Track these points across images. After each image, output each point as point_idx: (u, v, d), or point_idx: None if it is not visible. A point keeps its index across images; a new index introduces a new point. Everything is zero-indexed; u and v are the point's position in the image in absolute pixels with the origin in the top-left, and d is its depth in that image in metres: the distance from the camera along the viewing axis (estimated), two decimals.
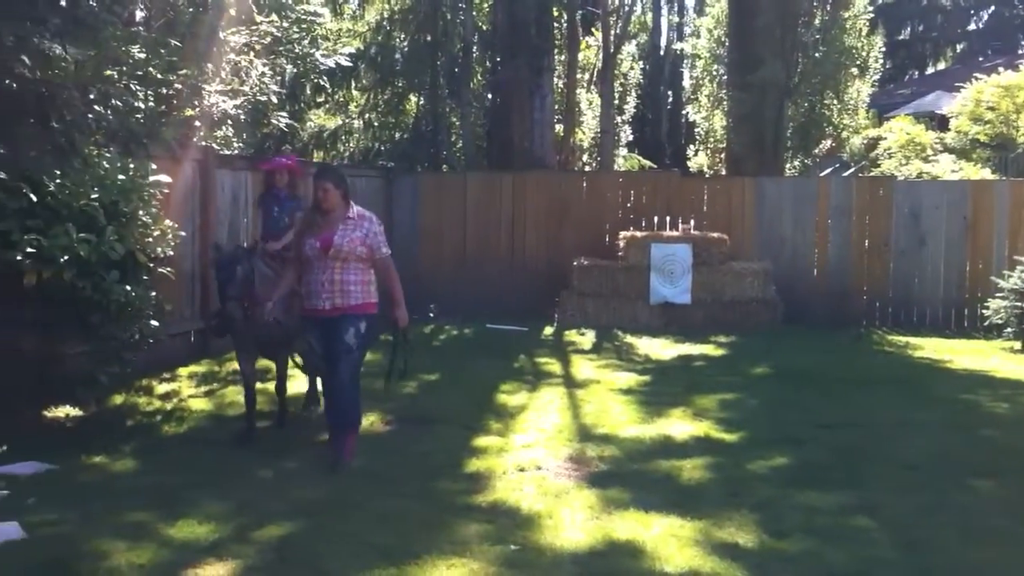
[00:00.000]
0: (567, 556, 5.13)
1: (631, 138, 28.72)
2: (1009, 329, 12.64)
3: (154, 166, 8.48)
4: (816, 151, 25.32)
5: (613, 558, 5.12)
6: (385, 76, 20.65)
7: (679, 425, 7.98)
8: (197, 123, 11.63)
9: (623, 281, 14.13)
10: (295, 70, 15.75)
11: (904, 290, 14.64)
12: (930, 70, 36.95)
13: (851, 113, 25.27)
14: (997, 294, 12.84)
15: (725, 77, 22.52)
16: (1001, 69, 21.15)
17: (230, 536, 5.35)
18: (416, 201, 15.86)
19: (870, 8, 26.86)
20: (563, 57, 21.71)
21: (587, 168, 22.99)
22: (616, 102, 24.50)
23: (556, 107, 19.96)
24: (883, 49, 28.20)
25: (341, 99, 21.34)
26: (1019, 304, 12.38)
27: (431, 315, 14.45)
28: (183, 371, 10.03)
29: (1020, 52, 30.61)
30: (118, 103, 7.72)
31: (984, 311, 13.19)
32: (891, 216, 14.64)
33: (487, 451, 7.21)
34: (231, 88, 12.35)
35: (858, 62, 25.77)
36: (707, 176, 23.59)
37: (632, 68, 28.64)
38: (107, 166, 7.77)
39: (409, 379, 9.51)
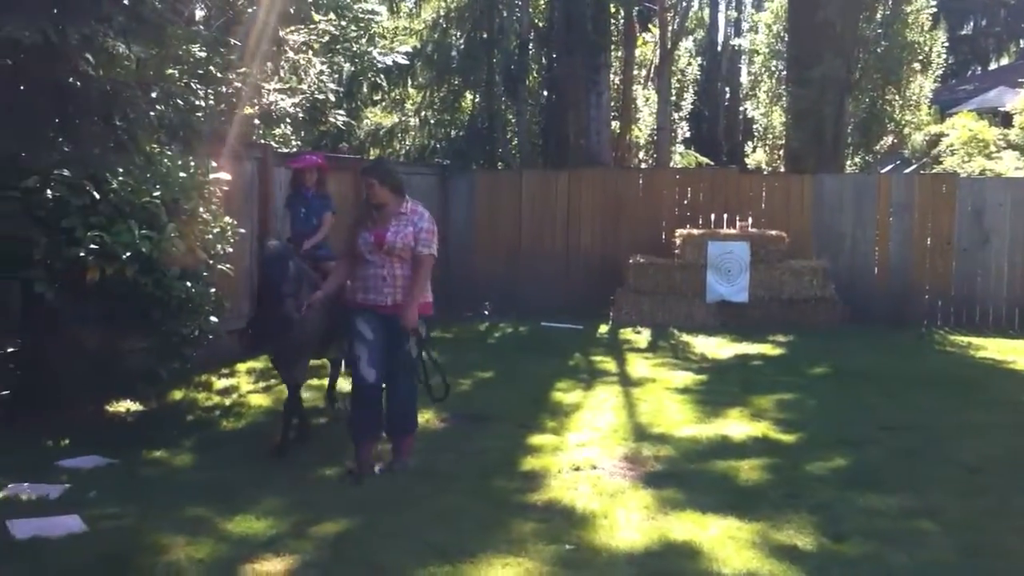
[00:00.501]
0: (623, 556, 5.09)
1: (688, 135, 28.52)
2: None
3: (214, 164, 8.57)
4: (877, 148, 24.95)
5: (669, 559, 5.07)
6: (441, 73, 20.66)
7: (736, 425, 7.90)
8: (256, 121, 11.75)
9: (679, 279, 14.03)
10: (352, 68, 15.85)
11: (967, 289, 14.37)
12: (993, 66, 36.23)
13: (913, 109, 24.87)
14: None
15: (784, 73, 22.29)
16: None
17: (287, 532, 5.39)
18: (471, 199, 15.88)
19: (932, 2, 26.38)
20: (619, 53, 21.60)
21: (643, 165, 22.86)
22: (673, 98, 24.32)
23: (612, 104, 19.86)
24: (945, 44, 27.71)
25: (397, 97, 21.40)
26: None
27: (486, 312, 14.45)
28: (241, 367, 10.14)
29: None
30: (179, 101, 7.84)
31: None
32: (954, 214, 14.38)
33: (542, 449, 7.19)
34: (289, 86, 12.45)
35: (920, 57, 25.35)
36: (765, 173, 23.34)
37: (689, 64, 28.43)
38: (168, 164, 7.87)
39: (464, 376, 9.56)
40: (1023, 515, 5.77)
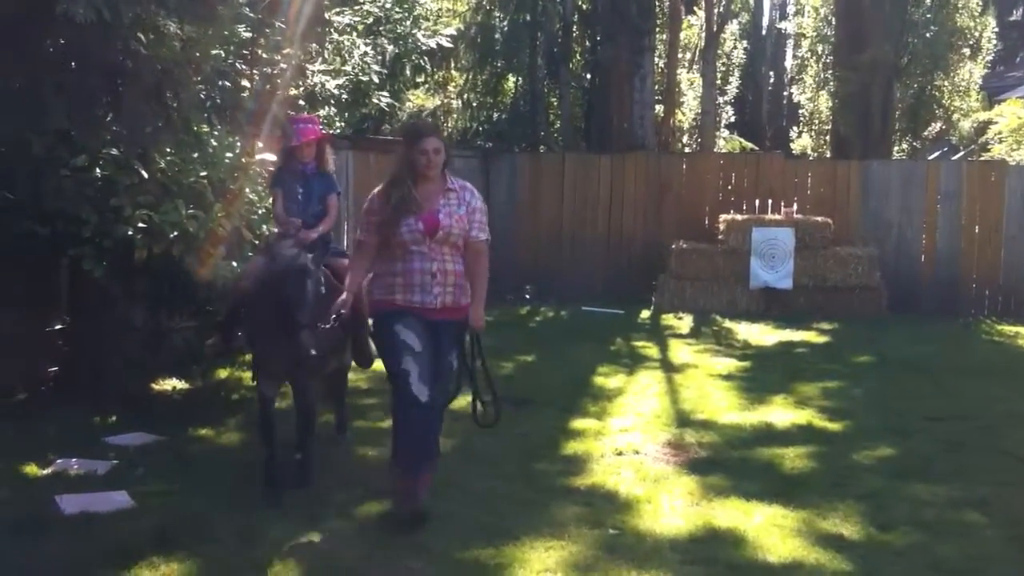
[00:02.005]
0: (666, 542, 5.07)
1: (732, 119, 28.28)
2: None
3: (260, 144, 8.60)
4: (925, 134, 24.60)
5: (714, 546, 5.04)
6: (484, 56, 20.63)
7: (780, 413, 7.83)
8: (301, 102, 11.77)
9: (722, 265, 13.93)
10: (396, 50, 15.83)
11: (1015, 278, 14.14)
12: None
13: (962, 95, 24.47)
14: None
15: (831, 57, 22.00)
16: None
17: (332, 511, 5.42)
18: (514, 182, 15.84)
19: None
20: (664, 37, 21.45)
21: (687, 150, 22.70)
22: (718, 82, 24.13)
23: (656, 88, 19.71)
24: (995, 30, 27.21)
25: (440, 79, 21.41)
26: None
27: (527, 296, 14.43)
28: None
29: None
30: (226, 83, 7.87)
31: None
32: (1002, 202, 14.16)
33: (584, 434, 7.17)
34: (334, 68, 12.46)
35: (970, 42, 24.91)
36: (811, 158, 23.10)
37: (735, 48, 28.18)
38: (215, 144, 7.90)
39: (505, 359, 9.55)
40: None
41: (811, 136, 27.52)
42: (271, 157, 8.66)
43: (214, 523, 5.20)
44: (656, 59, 19.89)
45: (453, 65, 21.18)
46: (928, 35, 22.94)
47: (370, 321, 5.68)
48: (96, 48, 5.46)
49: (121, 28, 5.42)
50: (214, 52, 7.87)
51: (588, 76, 20.39)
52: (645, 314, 13.62)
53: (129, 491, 5.68)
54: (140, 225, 7.13)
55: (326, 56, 12.49)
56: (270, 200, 8.48)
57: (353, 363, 6.78)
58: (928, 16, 23.20)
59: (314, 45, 11.82)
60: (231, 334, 6.65)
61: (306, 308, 5.36)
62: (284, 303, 5.36)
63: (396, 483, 5.42)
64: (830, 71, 21.61)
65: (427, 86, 21.51)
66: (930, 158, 21.25)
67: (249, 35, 8.84)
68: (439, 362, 5.30)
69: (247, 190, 8.12)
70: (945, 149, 23.97)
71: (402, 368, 5.15)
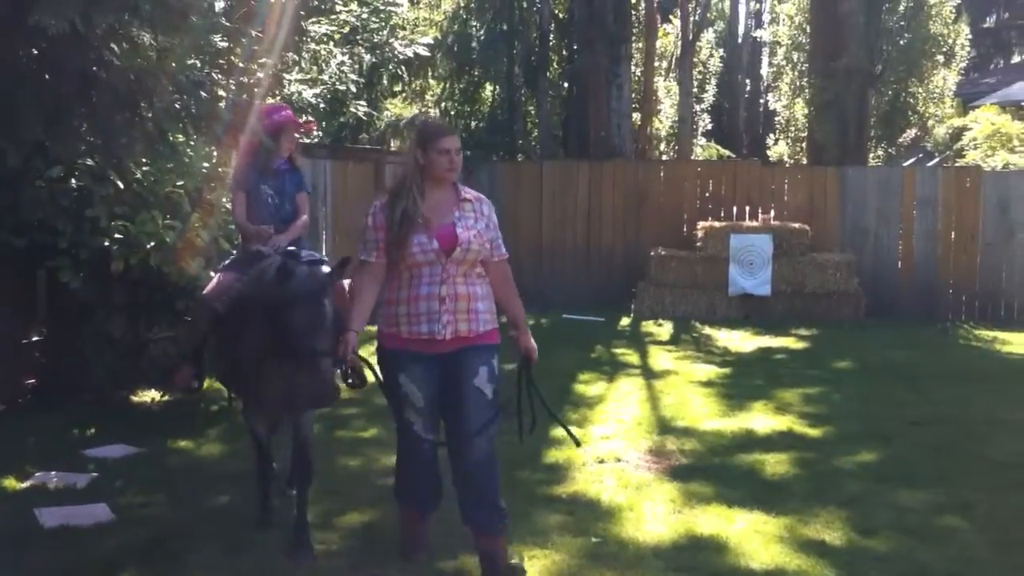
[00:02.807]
0: (649, 550, 5.06)
1: (709, 127, 28.42)
2: None
3: (236, 154, 8.56)
4: (900, 140, 24.79)
5: (696, 553, 5.04)
6: (461, 65, 20.69)
7: (761, 419, 7.85)
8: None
9: (701, 272, 13.96)
10: (373, 59, 15.83)
11: (992, 284, 14.23)
12: (1016, 59, 35.92)
13: (936, 102, 24.68)
14: None
15: (806, 65, 22.15)
16: None
17: (315, 522, 5.35)
18: (492, 190, 15.77)
19: None
20: (641, 45, 21.54)
21: (664, 157, 22.78)
22: (694, 90, 24.23)
23: (633, 96, 19.79)
24: (968, 37, 27.48)
25: (418, 88, 21.44)
26: None
27: None
28: None
29: None
30: (202, 92, 7.83)
31: None
32: (978, 207, 14.25)
33: (566, 442, 7.11)
34: (311, 77, 12.45)
35: (944, 49, 25.16)
36: (788, 165, 23.23)
37: (711, 56, 28.33)
38: (191, 154, 7.87)
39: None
40: None
41: (787, 143, 27.71)
42: None
43: (196, 535, 5.16)
44: (633, 67, 19.97)
45: (430, 74, 21.21)
46: (902, 42, 23.17)
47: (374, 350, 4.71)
48: (69, 58, 5.44)
49: (93, 38, 5.40)
50: (189, 62, 7.84)
51: (565, 84, 20.46)
52: (625, 321, 13.64)
53: (109, 503, 5.63)
54: (116, 236, 7.11)
55: (303, 65, 12.47)
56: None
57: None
58: (902, 24, 23.43)
59: (290, 54, 11.81)
60: (200, 371, 5.60)
61: (324, 333, 4.44)
62: (293, 328, 4.38)
63: (403, 523, 4.93)
64: (806, 79, 21.76)
65: (404, 95, 21.53)
66: (905, 165, 21.40)
67: (224, 44, 8.81)
68: (465, 398, 4.51)
69: (224, 200, 8.10)
70: (920, 156, 24.15)
71: (405, 418, 4.62)
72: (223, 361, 5.36)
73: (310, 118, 6.16)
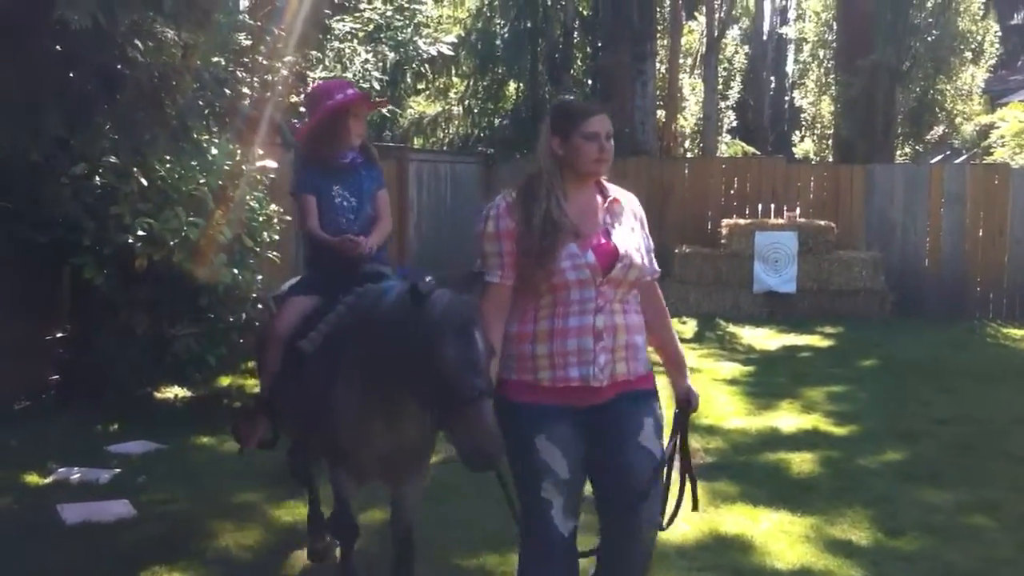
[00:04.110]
0: (673, 549, 5.01)
1: (734, 124, 28.27)
2: None
3: (260, 151, 8.57)
4: (927, 137, 24.57)
5: (721, 552, 4.99)
6: (485, 62, 20.64)
7: (786, 417, 7.78)
8: (302, 109, 11.75)
9: (726, 269, 13.87)
10: (396, 57, 15.84)
11: (1020, 281, 14.05)
12: None
13: (964, 99, 24.45)
14: None
15: (832, 62, 22.01)
16: None
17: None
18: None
19: None
20: (665, 42, 21.45)
21: (689, 155, 22.68)
22: (719, 88, 24.11)
23: (658, 93, 19.71)
24: (997, 33, 27.21)
25: (441, 86, 21.41)
26: None
27: None
28: None
29: None
30: (227, 89, 7.83)
31: None
32: (1007, 205, 14.07)
33: None
34: (334, 75, 12.45)
35: (972, 46, 24.92)
36: (813, 162, 23.08)
37: (736, 53, 28.19)
38: (215, 151, 7.88)
39: None
40: None
41: (813, 140, 27.55)
42: (272, 164, 8.63)
43: (217, 532, 5.16)
44: (657, 64, 19.89)
45: (454, 71, 21.17)
46: (930, 39, 22.93)
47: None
48: (93, 54, 5.43)
49: (117, 34, 5.39)
50: (214, 59, 7.86)
51: (590, 82, 20.39)
52: None
53: (131, 500, 5.65)
54: (140, 233, 7.12)
55: (327, 63, 12.49)
56: (272, 207, 8.50)
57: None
58: (930, 20, 23.20)
59: (314, 52, 11.82)
60: (275, 423, 4.69)
61: (484, 367, 3.26)
62: (448, 364, 3.21)
63: None
64: (832, 75, 21.63)
65: (428, 93, 21.51)
66: (933, 162, 21.21)
67: (249, 42, 8.82)
68: (628, 461, 3.43)
69: (248, 197, 8.11)
70: (948, 153, 23.94)
71: (541, 496, 3.40)
72: (307, 414, 4.13)
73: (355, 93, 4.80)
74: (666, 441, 3.62)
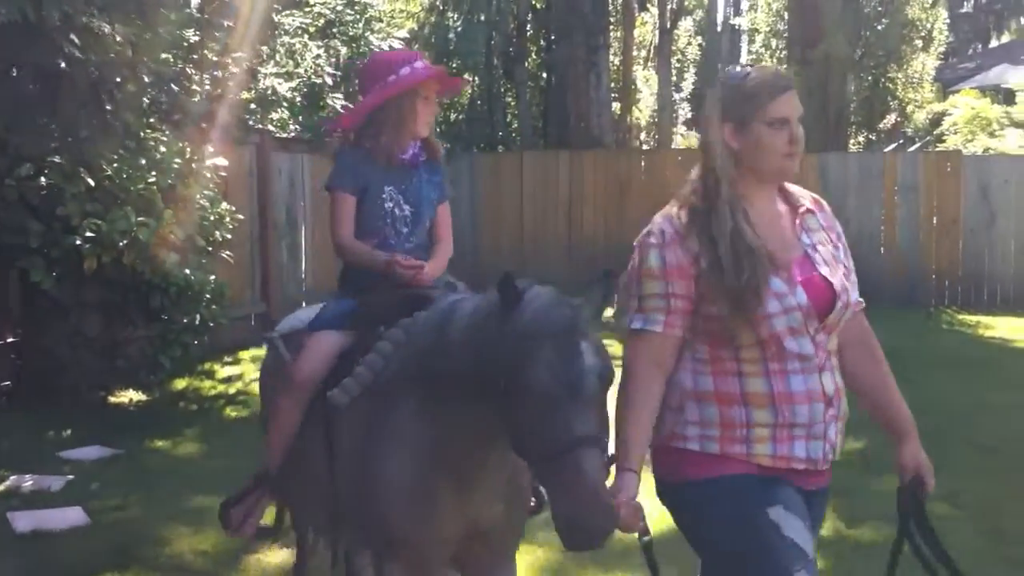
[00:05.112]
0: (635, 544, 4.96)
1: (689, 116, 28.38)
2: None
3: (210, 149, 8.45)
4: (880, 126, 24.81)
5: (682, 546, 4.95)
6: (439, 56, 20.48)
7: None
8: (252, 106, 11.63)
9: None
10: (349, 52, 15.70)
11: (974, 268, 14.22)
12: (994, 43, 36.04)
13: (915, 87, 24.71)
14: None
15: (785, 52, 22.14)
16: None
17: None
18: (472, 182, 15.73)
19: None
20: (618, 34, 21.46)
21: (645, 147, 22.73)
22: (673, 79, 24.18)
23: (612, 85, 19.72)
24: (946, 21, 27.54)
25: None
26: None
27: None
28: (245, 355, 10.02)
29: None
30: (174, 86, 7.71)
31: None
32: (959, 192, 14.22)
33: None
34: (286, 71, 12.32)
35: (922, 34, 25.19)
36: None
37: (689, 44, 28.27)
38: (163, 149, 7.76)
39: None
40: None
41: None
42: (222, 162, 8.50)
43: (172, 538, 5.07)
44: (611, 57, 19.90)
45: None
46: (880, 28, 23.16)
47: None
48: (27, 51, 5.29)
49: (49, 29, 5.24)
50: (162, 56, 7.72)
51: (544, 75, 20.37)
52: (609, 312, 13.52)
53: (85, 507, 5.54)
54: (88, 234, 6.99)
55: (278, 59, 12.34)
56: (224, 205, 8.39)
57: None
58: (880, 9, 23.44)
59: (265, 48, 11.68)
60: (282, 502, 3.90)
61: (599, 412, 2.47)
62: (538, 394, 2.37)
63: None
64: (785, 66, 21.71)
65: None
66: (886, 150, 21.41)
67: (196, 38, 8.69)
68: None
69: (198, 196, 7.99)
70: (901, 141, 24.18)
71: None
72: (343, 492, 3.07)
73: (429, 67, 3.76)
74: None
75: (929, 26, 25.41)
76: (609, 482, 2.44)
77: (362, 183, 3.48)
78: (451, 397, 2.70)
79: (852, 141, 22.33)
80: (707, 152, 2.63)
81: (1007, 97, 21.89)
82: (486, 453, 2.76)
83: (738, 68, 2.64)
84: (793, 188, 2.75)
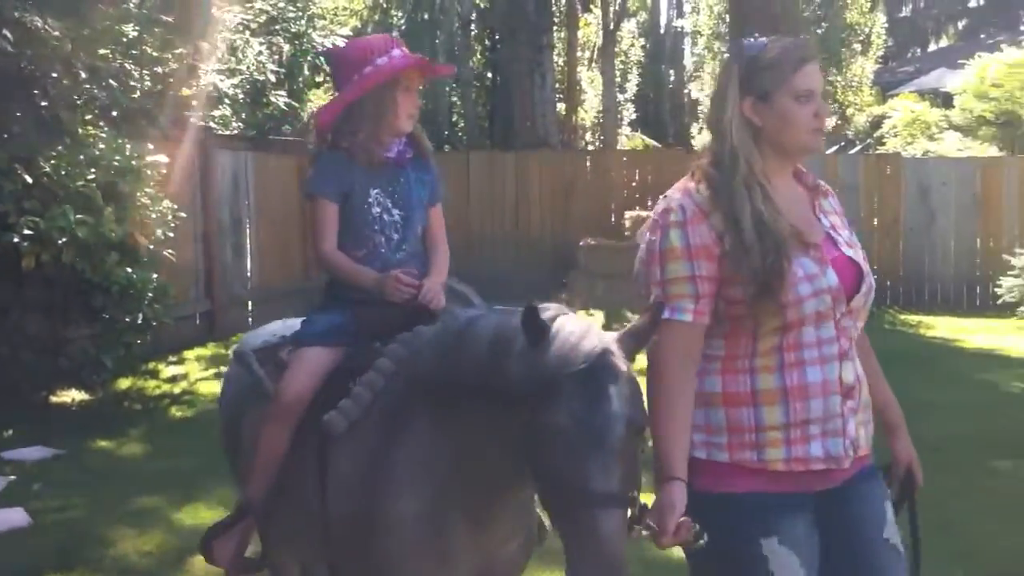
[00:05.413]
0: None
1: (634, 117, 28.57)
2: (1022, 307, 12.45)
3: (151, 146, 8.32)
4: None
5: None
6: None
7: None
8: (194, 103, 11.49)
9: (631, 261, 13.86)
10: (292, 50, 15.58)
11: (915, 269, 14.45)
12: (932, 47, 36.75)
13: (855, 90, 25.10)
14: (1009, 272, 12.64)
15: (727, 54, 22.38)
16: (1004, 46, 20.95)
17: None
18: None
19: None
20: (563, 35, 21.53)
21: (590, 147, 22.83)
22: (617, 80, 24.32)
23: (557, 86, 19.79)
24: (884, 25, 28.01)
25: None
26: None
27: None
28: (189, 354, 9.89)
29: (1023, 28, 30.38)
30: (112, 81, 7.57)
31: (997, 289, 12.92)
32: (900, 194, 14.45)
33: None
34: (228, 67, 12.18)
35: (860, 38, 25.62)
36: None
37: (632, 45, 28.44)
38: (103, 146, 7.62)
39: None
40: (987, 493, 5.78)
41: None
42: (163, 159, 8.36)
43: (115, 539, 4.99)
44: (556, 57, 19.97)
45: None
46: (819, 31, 23.50)
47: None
48: None
49: None
50: (102, 51, 7.58)
51: (489, 75, 20.39)
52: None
53: (26, 508, 5.43)
54: (27, 232, 6.84)
55: (219, 55, 12.20)
56: (165, 203, 8.26)
57: None
58: (819, 13, 23.79)
59: (205, 44, 11.53)
60: (268, 538, 3.25)
61: (628, 464, 2.14)
62: (559, 447, 2.12)
63: None
64: None
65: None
66: (827, 152, 21.71)
67: (136, 33, 8.55)
68: (877, 563, 2.47)
69: (139, 193, 7.85)
70: (842, 144, 24.54)
71: None
72: (340, 529, 2.75)
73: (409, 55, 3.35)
74: None
75: (868, 30, 25.84)
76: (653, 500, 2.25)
77: (345, 187, 3.13)
78: (467, 424, 2.45)
79: None
80: (721, 130, 2.42)
81: (945, 101, 22.32)
82: (506, 486, 2.46)
83: (754, 38, 2.46)
84: (803, 169, 2.60)
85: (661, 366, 2.33)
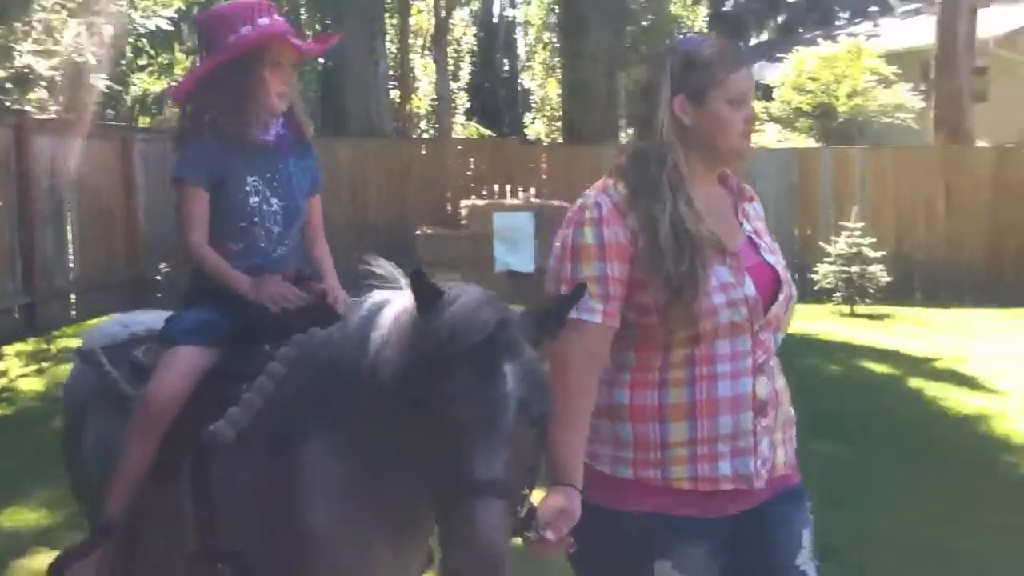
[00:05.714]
0: None
1: (468, 106, 28.64)
2: (838, 293, 13.08)
3: None
4: None
5: None
6: None
7: None
8: (8, 85, 10.90)
9: (468, 250, 13.99)
10: (113, 31, 14.97)
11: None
12: (754, 41, 38.14)
13: None
14: (825, 259, 13.25)
15: (558, 44, 22.66)
16: (820, 41, 21.97)
17: (62, 523, 4.99)
18: None
19: None
20: (395, 21, 21.39)
21: (425, 136, 22.78)
22: (451, 69, 24.33)
23: (391, 73, 19.64)
24: (706, 19, 28.94)
25: (165, 62, 20.41)
26: (847, 269, 12.85)
27: None
28: (8, 349, 9.39)
29: (838, 24, 31.90)
30: None
31: (814, 276, 13.46)
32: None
33: None
34: (44, 48, 11.61)
35: (684, 31, 26.37)
36: (545, 144, 23.71)
37: (465, 34, 28.50)
38: None
39: None
40: (807, 477, 5.86)
41: (544, 122, 28.31)
42: None
43: None
44: (388, 44, 19.80)
45: (177, 48, 20.23)
46: (645, 23, 24.07)
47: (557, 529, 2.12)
48: None
49: None
50: None
51: (320, 60, 20.05)
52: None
53: None
54: None
55: (35, 36, 11.63)
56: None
57: None
58: (644, 5, 24.36)
59: (19, 24, 10.97)
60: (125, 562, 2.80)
61: (515, 450, 2.00)
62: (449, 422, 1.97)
63: None
64: (557, 58, 22.25)
65: (151, 69, 20.47)
66: None
67: None
68: None
69: None
70: None
71: None
72: (234, 555, 2.52)
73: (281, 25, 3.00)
74: None
75: (691, 23, 26.63)
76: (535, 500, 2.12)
77: (218, 173, 2.82)
78: (374, 428, 2.26)
79: (623, 133, 23.12)
80: (649, 125, 2.34)
81: (765, 93, 23.26)
82: (421, 502, 2.14)
83: (689, 34, 2.41)
84: (729, 172, 2.51)
85: (564, 366, 2.23)
